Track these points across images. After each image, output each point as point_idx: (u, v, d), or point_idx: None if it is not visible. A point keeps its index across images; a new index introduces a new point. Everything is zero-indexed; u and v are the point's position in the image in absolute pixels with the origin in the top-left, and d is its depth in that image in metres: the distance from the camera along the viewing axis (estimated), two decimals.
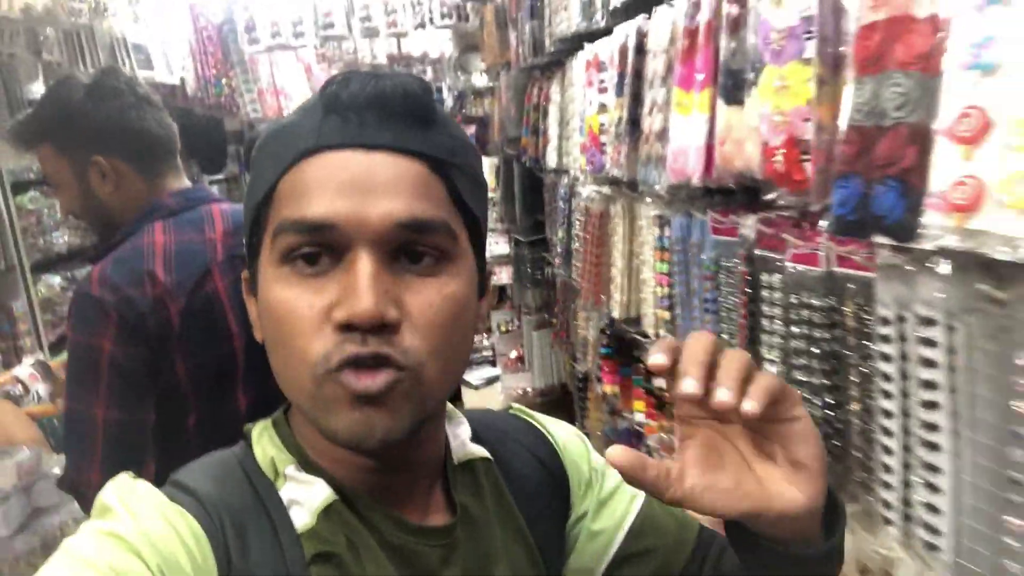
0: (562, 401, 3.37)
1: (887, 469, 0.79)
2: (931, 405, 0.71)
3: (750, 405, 0.45)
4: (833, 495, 0.53)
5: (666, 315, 1.46)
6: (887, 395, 0.78)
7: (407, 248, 0.51)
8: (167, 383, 1.17)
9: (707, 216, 1.19)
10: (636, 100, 1.36)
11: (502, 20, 3.19)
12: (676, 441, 0.53)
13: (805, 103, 0.78)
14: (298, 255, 0.51)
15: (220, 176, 5.34)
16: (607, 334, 2.02)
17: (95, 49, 2.84)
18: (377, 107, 0.52)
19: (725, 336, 1.17)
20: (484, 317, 0.62)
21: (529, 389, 3.67)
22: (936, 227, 0.57)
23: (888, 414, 0.78)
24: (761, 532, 0.51)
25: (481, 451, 0.66)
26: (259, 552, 0.52)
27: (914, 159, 0.61)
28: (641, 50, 1.34)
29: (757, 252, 1.03)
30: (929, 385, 0.71)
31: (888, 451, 0.78)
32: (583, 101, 1.82)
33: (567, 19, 1.93)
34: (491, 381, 4.69)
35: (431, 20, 3.62)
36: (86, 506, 1.22)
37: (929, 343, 0.70)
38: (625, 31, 1.42)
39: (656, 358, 0.48)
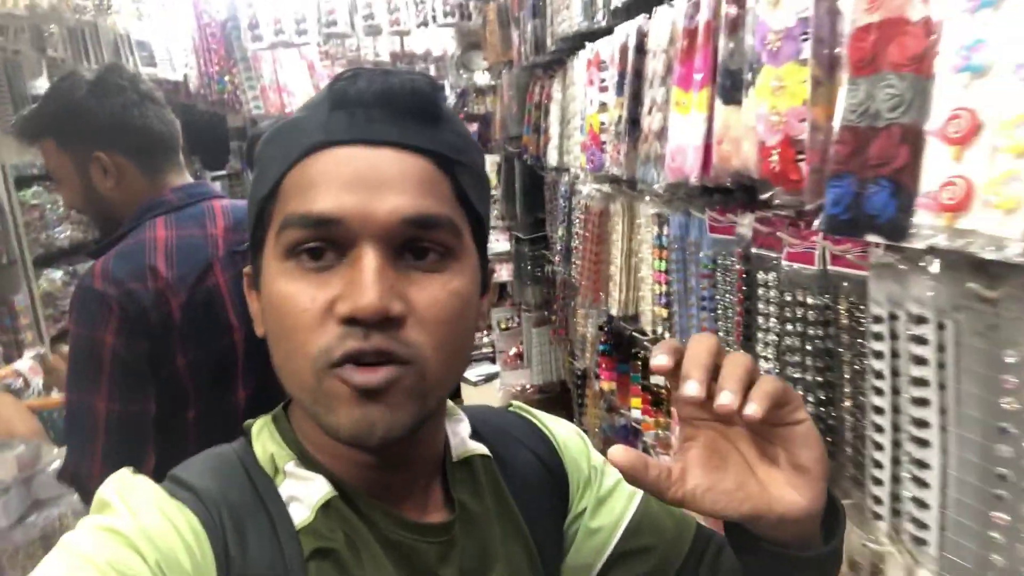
0: (561, 398, 3.38)
1: (877, 465, 0.80)
2: (921, 402, 0.72)
3: (752, 409, 0.46)
4: (833, 498, 0.54)
5: (664, 313, 1.47)
6: (878, 392, 0.79)
7: (412, 244, 0.51)
8: (168, 376, 1.19)
9: (705, 215, 1.20)
10: (636, 99, 1.37)
11: (504, 19, 3.20)
12: (676, 440, 0.54)
13: (801, 103, 0.79)
14: (303, 249, 0.51)
15: (222, 172, 5.36)
16: (605, 331, 2.04)
17: (99, 46, 2.86)
18: (385, 104, 0.52)
19: (721, 333, 1.18)
20: (485, 314, 0.63)
21: (528, 386, 3.69)
22: (926, 226, 0.58)
23: (879, 411, 0.79)
24: (761, 534, 0.52)
25: (480, 448, 0.66)
26: (257, 548, 0.52)
27: (906, 159, 0.62)
28: (641, 50, 1.35)
29: (753, 250, 1.04)
30: (919, 382, 0.72)
31: (879, 447, 0.79)
32: (584, 100, 1.83)
33: (569, 18, 1.94)
34: (490, 378, 4.71)
35: (434, 18, 3.63)
36: (87, 498, 1.23)
37: (920, 341, 0.71)
38: (626, 31, 1.43)
39: (659, 359, 0.48)
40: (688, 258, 1.31)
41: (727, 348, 1.15)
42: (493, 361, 4.68)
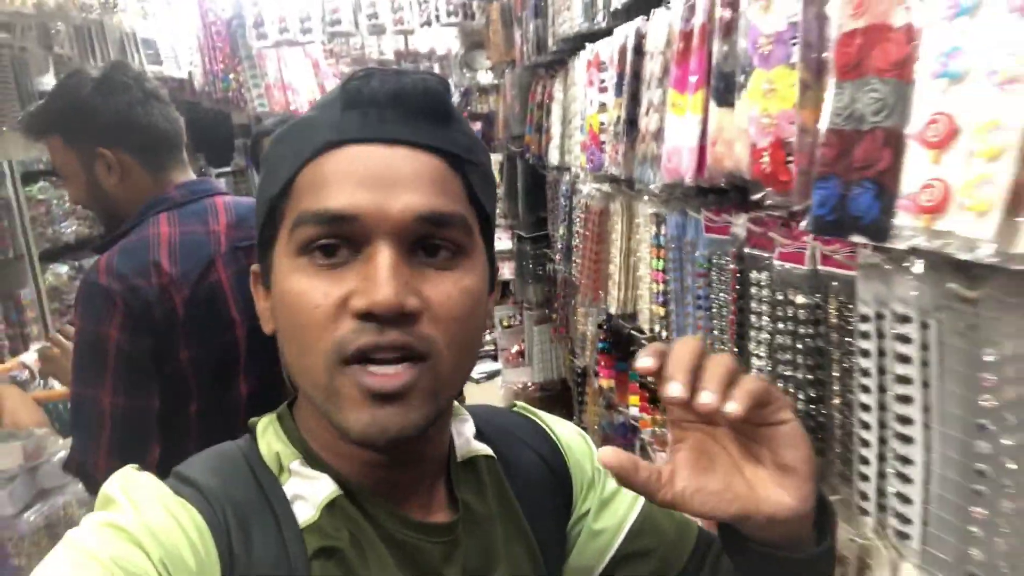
0: (562, 396, 3.39)
1: (864, 461, 0.81)
2: (905, 399, 0.73)
3: (732, 407, 0.46)
4: (823, 499, 0.55)
5: (661, 311, 1.49)
6: (865, 389, 0.80)
7: (424, 242, 0.52)
8: (171, 370, 1.21)
9: (701, 215, 1.21)
10: (634, 100, 1.38)
11: (507, 18, 3.22)
12: (669, 442, 0.54)
13: (791, 106, 0.81)
14: (316, 246, 0.51)
15: (227, 169, 5.40)
16: (604, 329, 2.05)
17: (105, 43, 2.88)
18: (398, 103, 0.52)
19: (715, 332, 1.20)
20: (491, 313, 0.64)
21: (530, 384, 3.70)
22: (907, 228, 0.60)
23: (866, 408, 0.80)
24: (751, 535, 0.52)
25: (484, 448, 0.66)
26: (262, 546, 0.52)
27: (889, 162, 0.64)
28: (639, 51, 1.36)
29: (747, 250, 1.06)
30: (903, 380, 0.73)
31: (865, 443, 0.81)
32: (584, 100, 1.84)
33: (569, 19, 1.95)
34: (492, 375, 4.73)
35: (437, 18, 3.64)
36: (92, 489, 1.25)
37: (904, 339, 0.73)
38: (624, 32, 1.44)
39: (643, 362, 0.49)
40: (684, 257, 1.33)
41: (721, 347, 1.17)
42: (495, 359, 4.70)
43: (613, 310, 1.76)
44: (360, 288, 0.49)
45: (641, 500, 0.71)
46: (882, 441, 0.78)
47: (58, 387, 1.52)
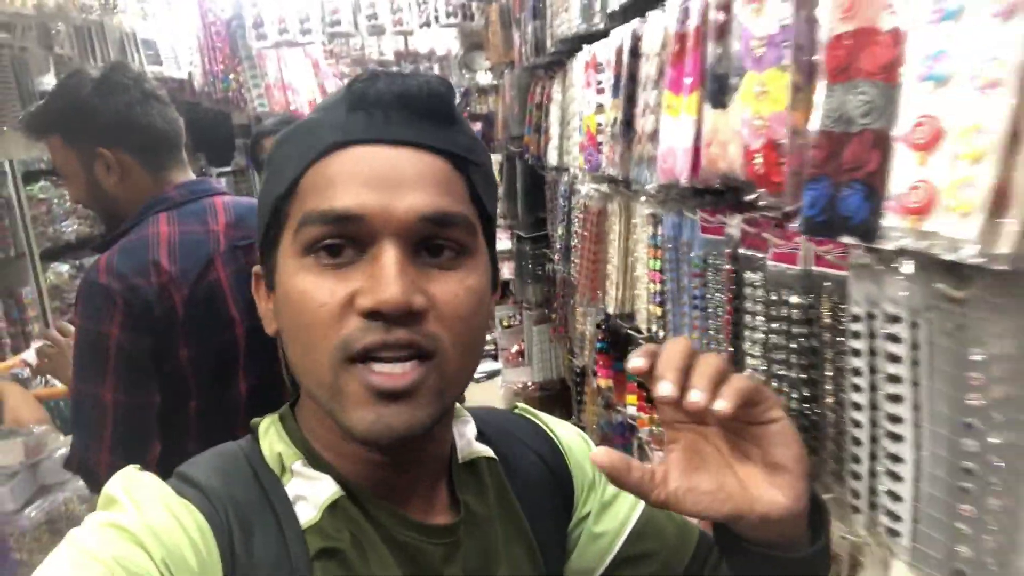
0: (562, 395, 3.40)
1: (856, 459, 0.82)
2: (895, 398, 0.74)
3: (721, 404, 0.46)
4: (817, 498, 0.55)
5: (658, 311, 1.50)
6: (857, 389, 0.81)
7: (429, 242, 0.52)
8: (171, 369, 1.22)
9: (696, 215, 1.22)
10: (630, 101, 1.39)
11: (506, 20, 3.23)
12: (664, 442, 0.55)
13: (783, 109, 0.82)
14: (322, 246, 0.51)
15: (228, 169, 5.41)
16: (603, 329, 2.06)
17: (105, 44, 2.89)
18: (403, 105, 0.53)
19: (711, 332, 1.21)
20: (493, 313, 0.65)
21: (529, 383, 3.71)
22: (894, 228, 0.61)
23: (858, 407, 0.81)
24: (746, 535, 0.52)
25: (486, 450, 0.66)
26: (263, 546, 0.52)
27: (877, 164, 0.64)
28: (635, 53, 1.37)
29: (741, 251, 1.07)
30: (894, 379, 0.74)
31: (857, 442, 0.82)
32: (582, 101, 1.85)
33: (567, 20, 1.96)
34: (492, 375, 4.74)
35: (436, 19, 3.66)
36: (94, 486, 1.26)
37: (894, 339, 0.74)
38: (621, 34, 1.45)
39: (635, 362, 0.49)
40: (681, 257, 1.33)
41: (716, 346, 1.18)
42: (495, 358, 4.71)
43: (611, 310, 1.77)
44: (366, 287, 0.50)
45: (642, 503, 0.71)
46: (873, 440, 0.79)
47: (59, 385, 1.53)
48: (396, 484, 0.58)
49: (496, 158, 4.07)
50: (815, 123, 0.71)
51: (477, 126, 5.48)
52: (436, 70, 6.03)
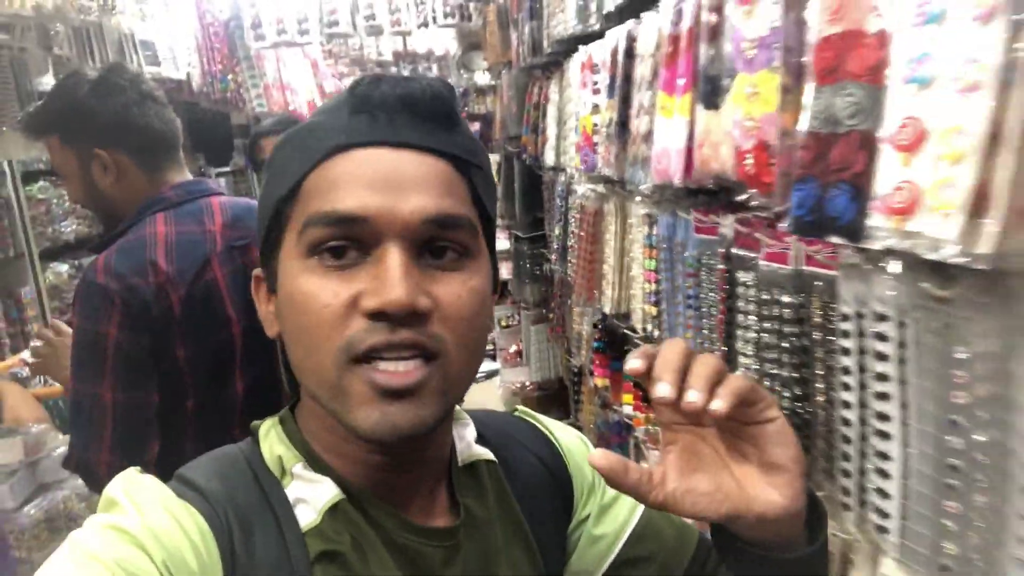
0: (559, 395, 3.41)
1: (846, 457, 0.83)
2: (883, 396, 0.75)
3: (717, 404, 0.47)
4: (815, 498, 0.55)
5: (653, 311, 1.50)
6: (846, 387, 0.82)
7: (432, 243, 0.53)
8: (168, 368, 1.22)
9: (691, 215, 1.23)
10: (625, 102, 1.40)
11: (504, 20, 3.24)
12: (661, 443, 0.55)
13: (774, 110, 0.83)
14: (326, 247, 0.51)
15: (227, 169, 5.42)
16: (599, 329, 2.07)
17: (104, 45, 2.90)
18: (406, 107, 0.53)
19: (705, 331, 1.22)
20: (492, 313, 0.66)
21: (528, 383, 3.72)
22: (879, 228, 0.62)
23: (847, 405, 0.82)
24: (743, 535, 0.52)
25: (486, 453, 0.66)
26: (264, 549, 0.52)
27: (864, 165, 0.65)
28: (630, 54, 1.38)
29: (734, 251, 1.07)
30: (882, 377, 0.75)
31: (847, 440, 0.83)
32: (578, 102, 1.86)
33: (563, 21, 1.97)
34: (490, 375, 4.74)
35: (434, 19, 3.66)
36: (93, 485, 1.27)
37: (882, 338, 0.74)
38: (616, 35, 1.46)
39: (632, 364, 0.50)
40: (675, 257, 1.34)
41: (710, 346, 1.19)
42: (493, 358, 4.72)
43: (607, 310, 1.78)
44: (371, 288, 0.50)
45: (641, 506, 0.72)
46: (863, 437, 0.80)
47: (58, 384, 1.54)
48: (396, 486, 0.58)
49: (494, 158, 4.08)
50: (803, 124, 0.72)
51: (475, 126, 5.49)
52: (435, 70, 6.03)
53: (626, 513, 0.71)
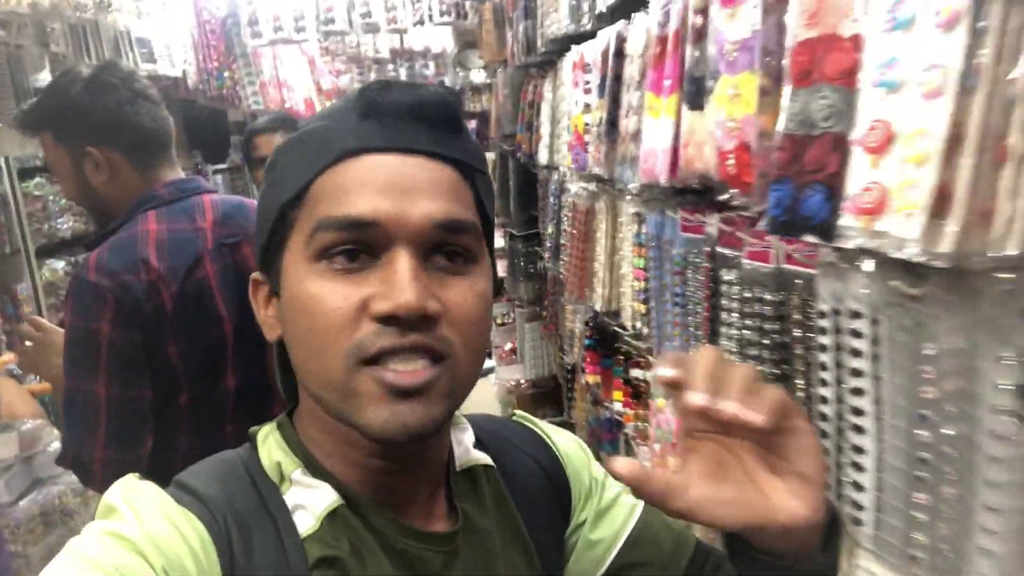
0: (554, 392, 3.43)
1: (824, 451, 0.85)
2: (858, 392, 0.77)
3: (757, 417, 0.46)
4: (833, 510, 0.54)
5: (642, 308, 1.52)
6: (824, 383, 0.84)
7: (439, 248, 0.53)
8: (160, 364, 1.23)
9: (677, 214, 1.25)
10: (615, 102, 1.42)
11: (500, 18, 3.25)
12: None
13: (754, 111, 0.84)
14: (336, 251, 0.52)
15: (223, 166, 5.42)
16: (591, 326, 2.09)
17: (100, 42, 2.91)
18: (417, 114, 0.54)
19: (690, 329, 1.23)
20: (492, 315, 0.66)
21: (522, 380, 3.73)
22: (850, 228, 0.63)
23: (824, 400, 0.84)
24: (761, 545, 0.52)
25: (484, 458, 0.67)
26: (262, 555, 0.52)
27: (837, 166, 0.67)
28: (620, 54, 1.39)
29: (718, 249, 1.09)
30: (857, 373, 0.77)
31: (824, 435, 0.84)
32: (571, 101, 1.88)
33: (557, 21, 1.98)
34: (486, 373, 4.76)
35: (430, 17, 3.67)
36: (87, 481, 1.27)
37: (857, 335, 0.76)
38: (607, 35, 1.48)
39: (664, 371, 0.49)
40: (663, 256, 1.36)
41: (695, 343, 1.21)
42: (489, 356, 4.74)
43: (598, 307, 1.79)
44: (381, 292, 0.50)
45: (638, 511, 0.73)
46: (839, 431, 0.82)
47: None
48: (396, 490, 0.59)
49: (490, 156, 4.09)
50: (781, 126, 0.74)
51: (471, 124, 5.49)
52: (431, 68, 6.04)
53: (622, 518, 0.72)
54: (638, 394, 1.75)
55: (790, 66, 0.73)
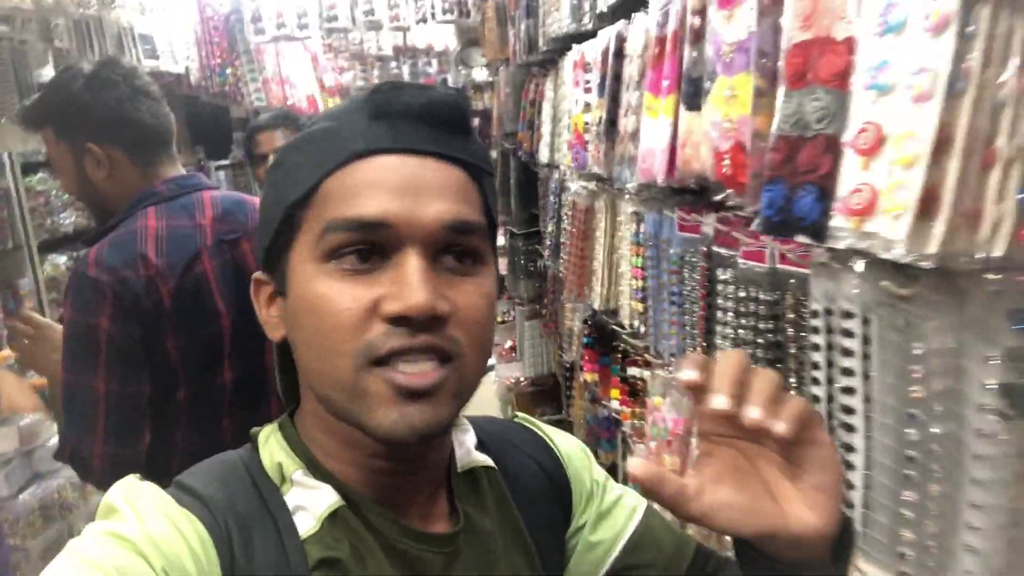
0: (553, 391, 3.43)
1: None
2: (849, 390, 0.78)
3: (781, 427, 0.46)
4: (848, 522, 0.54)
5: (640, 307, 1.53)
6: (816, 382, 0.85)
7: (448, 249, 0.54)
8: (159, 359, 1.24)
9: (675, 214, 1.25)
10: (614, 101, 1.42)
11: (502, 17, 3.25)
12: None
13: (750, 112, 0.85)
14: (346, 252, 0.52)
15: (226, 162, 5.44)
16: (589, 325, 2.10)
17: (103, 38, 2.91)
18: (427, 116, 0.54)
19: (687, 328, 1.24)
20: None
21: (522, 378, 3.74)
22: (840, 229, 0.64)
23: (817, 399, 0.85)
24: (773, 553, 0.51)
25: (485, 459, 0.67)
26: (263, 556, 0.52)
27: (830, 167, 0.68)
28: (620, 54, 1.40)
29: (715, 248, 1.10)
30: (847, 372, 0.78)
31: None
32: (571, 100, 1.88)
33: (558, 20, 1.99)
34: (486, 371, 4.76)
35: (433, 15, 3.68)
36: (86, 475, 1.28)
37: (848, 334, 0.77)
38: (607, 35, 1.48)
39: (687, 374, 0.48)
40: (661, 255, 1.37)
41: (691, 342, 1.21)
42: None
43: (597, 306, 1.80)
44: (392, 293, 0.50)
45: (638, 515, 0.73)
46: (830, 430, 0.83)
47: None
48: (397, 491, 0.58)
49: (492, 154, 4.10)
50: (775, 127, 0.74)
51: (475, 122, 5.50)
52: (434, 65, 6.04)
53: (623, 521, 0.72)
54: (635, 392, 1.76)
55: (785, 68, 0.74)
